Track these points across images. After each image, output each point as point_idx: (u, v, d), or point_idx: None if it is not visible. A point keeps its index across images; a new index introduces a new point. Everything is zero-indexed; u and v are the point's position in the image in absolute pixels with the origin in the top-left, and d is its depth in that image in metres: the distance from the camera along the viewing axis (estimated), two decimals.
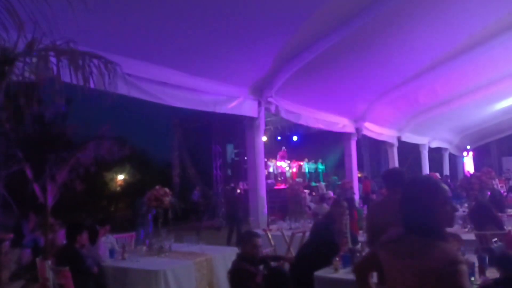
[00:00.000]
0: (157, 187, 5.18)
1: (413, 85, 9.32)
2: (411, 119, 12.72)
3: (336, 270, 3.62)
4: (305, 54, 6.66)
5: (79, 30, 3.69)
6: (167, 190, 5.18)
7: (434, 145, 16.56)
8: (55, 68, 3.23)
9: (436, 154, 17.76)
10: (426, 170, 15.75)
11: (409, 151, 16.01)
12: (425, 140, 15.77)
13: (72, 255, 4.01)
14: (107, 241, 5.22)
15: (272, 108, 7.98)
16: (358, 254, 3.86)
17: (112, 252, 4.81)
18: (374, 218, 3.28)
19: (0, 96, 3.26)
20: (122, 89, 3.76)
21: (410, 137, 14.23)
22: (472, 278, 3.01)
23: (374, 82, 8.71)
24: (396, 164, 14.03)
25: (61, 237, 8.07)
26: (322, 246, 3.98)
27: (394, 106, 10.88)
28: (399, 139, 13.70)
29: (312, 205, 8.81)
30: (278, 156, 15.89)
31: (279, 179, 15.72)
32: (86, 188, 9.89)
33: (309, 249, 4.15)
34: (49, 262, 4.14)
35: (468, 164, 20.50)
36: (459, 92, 10.66)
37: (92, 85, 3.29)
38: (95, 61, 3.33)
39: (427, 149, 16.12)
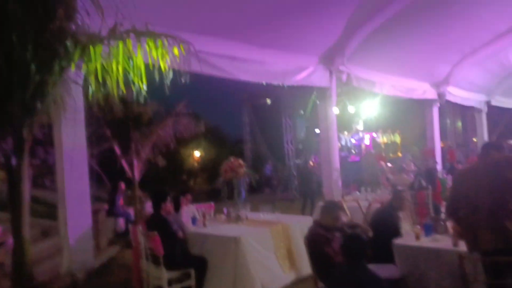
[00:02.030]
0: (231, 158, 5.35)
1: (505, 41, 8.28)
2: (502, 80, 11.38)
3: (417, 238, 3.47)
4: (378, 16, 6.24)
5: (151, 10, 3.86)
6: (241, 161, 5.32)
7: None
8: (135, 50, 3.46)
9: None
10: None
11: (500, 116, 14.45)
12: None
13: (160, 221, 4.36)
14: (189, 210, 5.59)
15: (343, 77, 7.67)
16: (442, 223, 3.67)
17: (194, 220, 5.14)
18: (459, 184, 3.06)
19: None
20: (195, 66, 3.88)
21: (501, 101, 12.79)
22: None
23: (459, 40, 7.88)
24: (485, 132, 12.81)
25: (147, 208, 8.82)
26: (384, 232, 3.87)
27: (482, 67, 9.79)
28: (488, 103, 12.40)
29: (391, 177, 8.45)
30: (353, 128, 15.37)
31: (353, 151, 15.30)
32: (167, 164, 10.62)
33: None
34: (140, 228, 4.55)
35: None
36: None
37: (168, 64, 3.47)
38: (170, 40, 3.49)
39: None
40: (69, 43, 3.50)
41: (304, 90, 8.95)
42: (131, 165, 7.64)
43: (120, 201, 8.93)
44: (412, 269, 3.35)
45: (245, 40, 5.91)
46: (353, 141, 15.11)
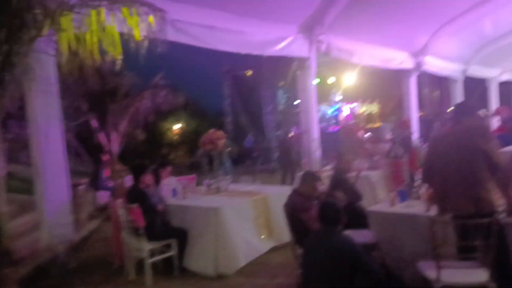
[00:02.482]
0: (211, 130, 5.33)
1: (482, 10, 8.34)
2: (478, 50, 11.56)
3: (392, 204, 3.60)
4: None
5: None
6: (220, 133, 5.32)
7: (505, 77, 15.10)
8: (108, 18, 3.33)
9: (507, 88, 16.23)
10: (495, 105, 14.55)
11: (475, 86, 14.76)
12: (495, 73, 14.38)
13: (139, 194, 4.36)
14: (170, 182, 5.59)
15: (323, 47, 7.63)
16: (415, 190, 3.80)
17: (174, 192, 5.15)
18: (433, 151, 3.15)
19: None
20: (172, 35, 3.78)
21: (477, 70, 13.03)
22: None
23: (437, 9, 7.89)
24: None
25: (128, 182, 8.73)
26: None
27: (459, 37, 9.89)
28: (464, 73, 12.63)
29: (369, 146, 8.62)
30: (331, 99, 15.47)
31: (332, 122, 15.47)
32: (146, 137, 10.50)
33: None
34: (120, 201, 4.54)
35: None
36: None
37: (142, 33, 3.37)
38: (145, 9, 3.37)
39: (496, 82, 14.75)
40: (37, 10, 3.34)
41: (284, 61, 8.88)
42: (109, 139, 7.50)
43: (107, 173, 8.80)
44: (387, 234, 3.49)
45: (223, 9, 5.78)
46: (333, 109, 15.24)
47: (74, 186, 6.64)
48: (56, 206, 4.71)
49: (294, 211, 3.44)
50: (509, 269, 2.79)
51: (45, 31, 3.49)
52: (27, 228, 5.63)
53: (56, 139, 4.70)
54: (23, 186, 7.67)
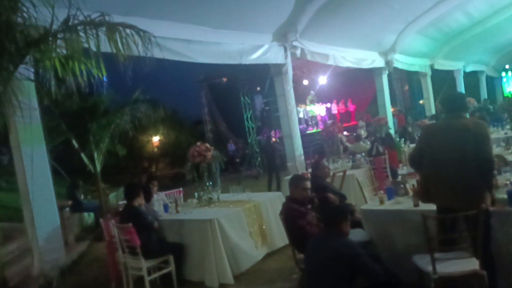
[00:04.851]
0: (198, 143, 5.38)
1: (444, 8, 8.78)
2: (443, 45, 12.11)
3: (381, 202, 3.75)
4: None
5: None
6: (208, 145, 5.37)
7: (469, 69, 15.83)
8: (91, 42, 3.34)
9: (472, 78, 17.00)
10: None
11: (443, 78, 15.40)
12: (460, 65, 15.08)
13: (134, 213, 4.35)
14: (159, 198, 5.59)
15: (298, 52, 7.81)
16: (402, 186, 3.97)
17: (165, 207, 5.16)
18: (430, 139, 3.12)
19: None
20: (156, 53, 3.82)
21: (443, 64, 13.63)
22: None
23: (402, 9, 8.25)
24: (431, 94, 13.62)
25: (112, 200, 8.59)
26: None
27: (425, 34, 10.36)
28: (432, 67, 13.17)
29: (349, 145, 8.86)
30: (307, 101, 15.75)
31: (310, 123, 15.74)
32: (127, 152, 10.35)
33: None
34: (113, 221, 4.51)
35: (508, 84, 19.61)
36: (494, 9, 9.98)
37: (127, 53, 3.40)
38: (128, 30, 3.42)
39: (462, 74, 15.44)
40: (19, 38, 3.33)
41: (259, 67, 9.02)
42: (91, 158, 7.40)
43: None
44: (380, 231, 3.64)
45: (199, 23, 5.86)
46: (312, 113, 15.50)
47: (60, 208, 6.53)
48: (46, 231, 4.64)
49: (291, 218, 3.55)
50: (490, 254, 2.92)
51: (28, 58, 3.48)
52: (14, 256, 5.50)
53: (42, 164, 4.63)
54: (4, 213, 7.46)
